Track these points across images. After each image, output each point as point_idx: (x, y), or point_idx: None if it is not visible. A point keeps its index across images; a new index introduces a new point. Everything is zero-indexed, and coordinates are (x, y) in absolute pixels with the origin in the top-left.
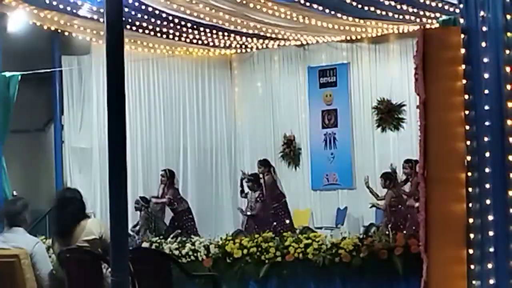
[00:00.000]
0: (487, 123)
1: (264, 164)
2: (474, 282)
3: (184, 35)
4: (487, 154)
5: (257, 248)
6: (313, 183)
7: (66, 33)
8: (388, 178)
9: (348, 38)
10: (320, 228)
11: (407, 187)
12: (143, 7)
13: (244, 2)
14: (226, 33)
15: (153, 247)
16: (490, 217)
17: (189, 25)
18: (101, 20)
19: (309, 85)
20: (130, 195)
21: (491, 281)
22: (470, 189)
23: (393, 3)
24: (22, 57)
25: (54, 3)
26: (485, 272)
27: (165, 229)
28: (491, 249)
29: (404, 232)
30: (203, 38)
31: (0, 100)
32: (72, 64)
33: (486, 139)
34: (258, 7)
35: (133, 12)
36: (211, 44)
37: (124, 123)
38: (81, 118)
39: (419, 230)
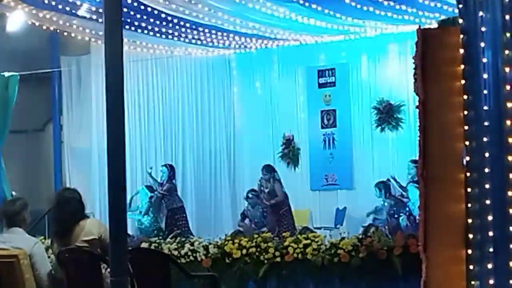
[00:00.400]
0: (486, 123)
1: (269, 170)
2: (473, 282)
3: (183, 35)
4: (487, 154)
5: (256, 248)
6: (312, 184)
7: (65, 33)
8: (383, 187)
9: (348, 38)
10: (319, 228)
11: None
12: (142, 7)
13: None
14: (225, 33)
15: (152, 247)
16: (490, 218)
17: (188, 25)
18: (100, 20)
19: (308, 85)
20: (129, 195)
21: (491, 281)
22: (469, 189)
23: (392, 4)
24: (21, 57)
25: (53, 3)
26: (485, 273)
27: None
28: (491, 249)
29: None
30: (202, 38)
31: None
32: (71, 64)
33: (485, 139)
34: (258, 7)
35: (132, 12)
36: (210, 44)
37: (123, 123)
38: (80, 118)
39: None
